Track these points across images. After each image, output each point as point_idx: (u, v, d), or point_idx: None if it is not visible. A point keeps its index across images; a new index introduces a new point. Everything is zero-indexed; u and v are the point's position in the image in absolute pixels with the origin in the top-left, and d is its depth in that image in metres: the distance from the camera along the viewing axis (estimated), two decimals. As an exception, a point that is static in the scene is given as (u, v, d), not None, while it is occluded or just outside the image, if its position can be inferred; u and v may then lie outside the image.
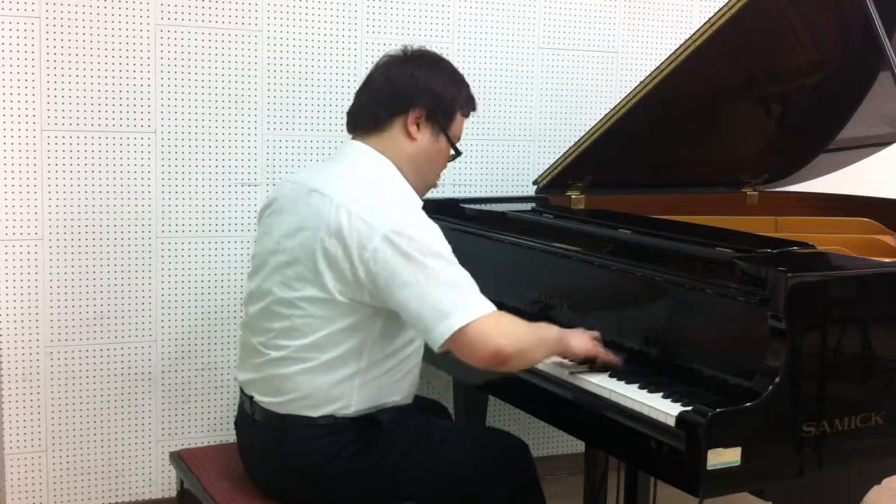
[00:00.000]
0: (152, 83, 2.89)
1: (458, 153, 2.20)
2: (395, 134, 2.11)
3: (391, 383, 2.10)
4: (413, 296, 1.93)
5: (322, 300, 2.00)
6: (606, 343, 2.18)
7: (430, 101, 2.12)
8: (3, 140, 2.76)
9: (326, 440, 2.05)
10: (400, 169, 2.11)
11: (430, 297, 1.92)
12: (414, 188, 2.13)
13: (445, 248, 1.99)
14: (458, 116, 2.19)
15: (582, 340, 2.11)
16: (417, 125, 2.11)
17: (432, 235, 1.98)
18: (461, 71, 2.22)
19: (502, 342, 1.93)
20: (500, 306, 2.55)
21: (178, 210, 2.95)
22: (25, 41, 2.75)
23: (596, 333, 2.16)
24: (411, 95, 2.11)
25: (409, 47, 2.18)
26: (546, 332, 2.09)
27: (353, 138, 2.17)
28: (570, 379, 2.08)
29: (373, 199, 2.01)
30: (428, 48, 2.23)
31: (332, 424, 2.05)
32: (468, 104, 2.21)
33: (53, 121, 2.80)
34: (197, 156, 2.96)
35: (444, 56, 2.22)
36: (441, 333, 1.92)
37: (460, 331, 1.91)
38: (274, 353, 2.07)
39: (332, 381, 2.03)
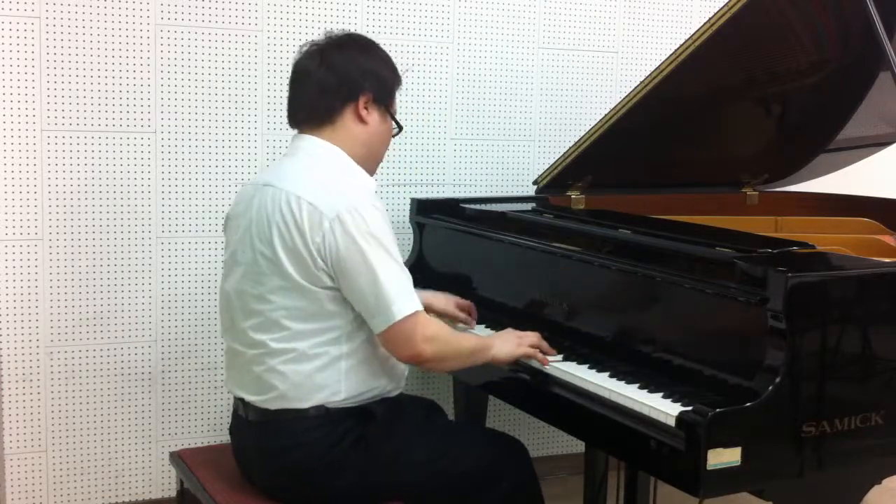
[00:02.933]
0: (152, 83, 2.89)
1: (400, 128, 2.26)
2: (346, 122, 2.14)
3: (378, 366, 2.12)
4: (361, 279, 2.00)
5: (287, 289, 2.03)
6: (606, 344, 2.19)
7: (375, 83, 2.16)
8: (3, 140, 2.76)
9: (320, 432, 2.06)
10: (354, 155, 2.15)
11: (377, 282, 1.99)
12: (368, 169, 2.18)
13: (391, 237, 2.05)
14: (395, 93, 2.24)
15: (507, 348, 2.16)
16: (367, 108, 2.15)
17: (380, 223, 2.03)
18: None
19: (423, 347, 2.03)
20: (501, 306, 2.57)
21: (178, 210, 2.95)
22: (25, 41, 2.75)
23: (532, 333, 2.20)
24: (358, 81, 2.14)
25: (332, 33, 2.20)
26: (467, 343, 2.16)
27: (300, 132, 2.18)
28: (571, 379, 2.08)
29: (323, 185, 2.06)
30: (353, 31, 2.26)
31: (325, 415, 2.06)
32: (398, 80, 2.25)
33: (53, 121, 2.80)
34: (197, 156, 2.96)
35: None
36: (384, 320, 2.00)
37: (398, 322, 2.00)
38: (253, 351, 2.09)
39: (316, 368, 2.05)
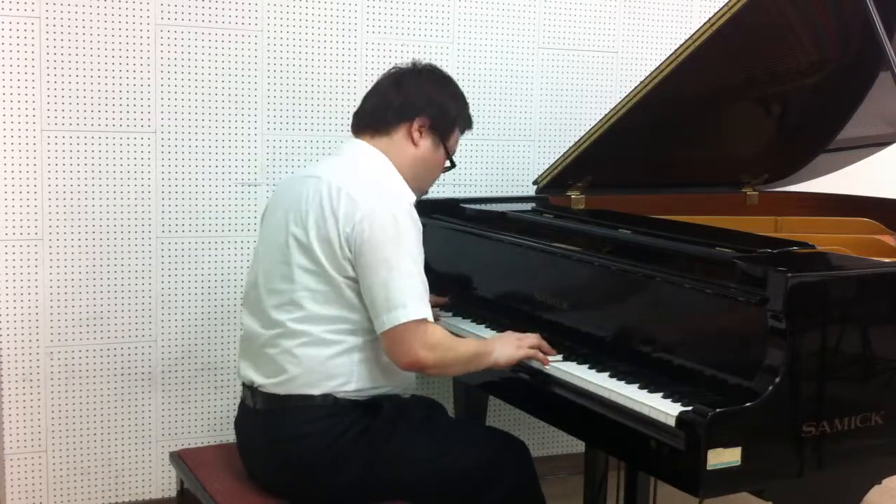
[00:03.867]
0: (152, 83, 2.89)
1: (452, 164, 2.35)
2: (398, 138, 2.24)
3: (390, 366, 2.14)
4: (377, 275, 2.04)
5: (313, 272, 2.09)
6: (606, 344, 2.19)
7: (435, 112, 2.25)
8: (3, 140, 2.76)
9: (326, 422, 2.08)
10: (399, 169, 2.22)
11: (391, 282, 2.03)
12: (411, 190, 2.23)
13: (418, 246, 2.11)
14: (457, 131, 2.34)
15: (508, 351, 2.17)
16: (420, 132, 2.24)
17: (411, 228, 2.10)
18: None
19: (424, 353, 2.05)
20: (501, 306, 2.57)
21: (178, 210, 2.95)
22: (25, 41, 2.75)
23: (532, 335, 2.21)
24: (419, 105, 2.24)
25: (418, 62, 2.33)
26: (468, 349, 2.18)
27: (355, 137, 2.27)
28: (571, 379, 2.08)
29: (365, 183, 2.13)
30: (436, 65, 2.37)
31: (332, 405, 2.09)
32: (466, 122, 2.37)
33: (53, 121, 2.80)
34: (197, 156, 2.96)
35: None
36: (388, 321, 2.04)
37: (400, 326, 2.03)
38: (271, 332, 2.14)
39: (330, 355, 2.09)
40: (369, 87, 2.34)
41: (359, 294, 2.09)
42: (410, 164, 2.24)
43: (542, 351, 2.19)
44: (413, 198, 2.21)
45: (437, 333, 2.09)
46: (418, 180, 2.27)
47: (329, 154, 2.40)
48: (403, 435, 2.13)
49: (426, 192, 2.38)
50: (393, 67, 2.33)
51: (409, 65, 2.32)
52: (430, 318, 2.07)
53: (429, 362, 2.06)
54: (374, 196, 2.09)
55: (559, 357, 2.18)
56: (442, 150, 2.29)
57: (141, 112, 2.88)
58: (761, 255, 2.00)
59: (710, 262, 2.05)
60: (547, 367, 2.15)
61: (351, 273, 2.07)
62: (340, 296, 2.09)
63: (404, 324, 2.02)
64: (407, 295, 2.03)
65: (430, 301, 2.48)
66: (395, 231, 2.05)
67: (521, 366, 2.21)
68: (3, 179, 2.77)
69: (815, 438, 1.84)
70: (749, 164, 3.11)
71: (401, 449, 2.12)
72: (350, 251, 2.06)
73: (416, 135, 2.24)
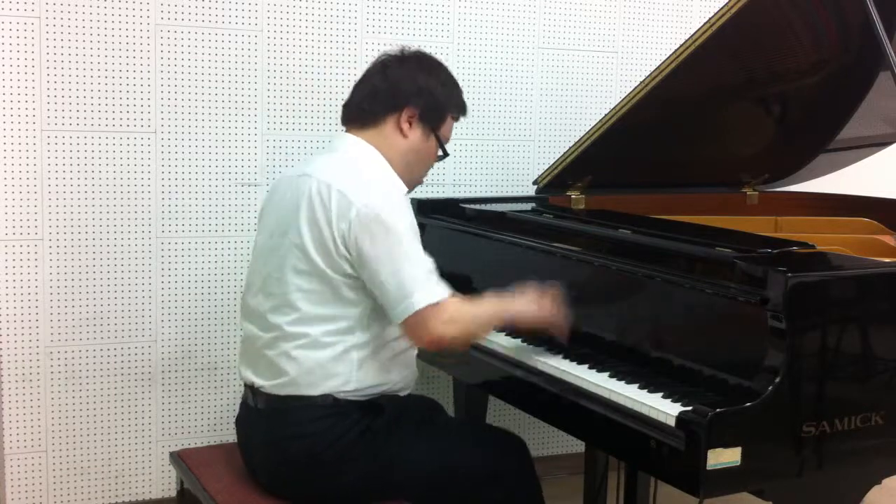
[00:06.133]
0: (152, 83, 2.89)
1: (445, 154, 2.29)
2: (387, 130, 2.19)
3: (390, 362, 2.14)
4: (383, 268, 2.02)
5: (308, 273, 2.07)
6: (606, 344, 2.18)
7: (424, 101, 2.20)
8: (3, 140, 2.76)
9: (327, 422, 2.07)
10: (390, 162, 2.19)
11: (400, 273, 2.02)
12: (403, 182, 2.21)
13: (415, 229, 2.08)
14: (449, 119, 2.27)
15: (532, 308, 2.14)
16: (410, 123, 2.19)
17: (407, 216, 2.07)
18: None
19: (442, 329, 2.03)
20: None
21: (178, 210, 2.95)
22: (25, 41, 2.75)
23: (550, 294, 2.17)
24: (407, 94, 2.18)
25: (406, 48, 2.26)
26: (487, 310, 2.15)
27: (346, 131, 2.25)
28: (571, 379, 2.08)
29: (356, 177, 2.10)
30: (425, 51, 2.30)
31: (332, 406, 2.08)
32: (459, 108, 2.30)
33: (53, 121, 2.80)
34: (197, 156, 2.96)
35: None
36: (403, 310, 2.02)
37: (417, 313, 2.01)
38: (269, 335, 2.13)
39: (328, 357, 2.08)
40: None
41: (357, 290, 2.07)
42: (401, 155, 2.19)
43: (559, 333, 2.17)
44: (404, 188, 2.19)
45: (452, 306, 2.06)
46: (411, 172, 2.24)
47: (321, 150, 2.37)
48: (403, 435, 2.13)
49: (421, 183, 2.34)
50: (382, 54, 2.27)
51: (397, 51, 2.25)
52: (444, 296, 2.04)
53: (450, 336, 2.05)
54: (365, 191, 2.05)
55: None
56: (433, 140, 2.24)
57: (141, 112, 2.88)
58: (761, 255, 2.00)
59: (710, 262, 2.05)
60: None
61: (349, 271, 2.06)
62: (337, 295, 2.07)
63: (420, 310, 2.01)
64: (417, 282, 2.02)
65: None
66: (391, 221, 2.03)
67: (520, 366, 2.20)
68: (3, 179, 2.77)
69: (815, 438, 1.84)
70: (749, 164, 3.11)
71: (401, 449, 2.11)
72: (347, 250, 2.04)
73: (405, 126, 2.18)
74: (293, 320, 2.09)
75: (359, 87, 2.25)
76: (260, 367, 2.15)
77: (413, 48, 2.28)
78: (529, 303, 2.16)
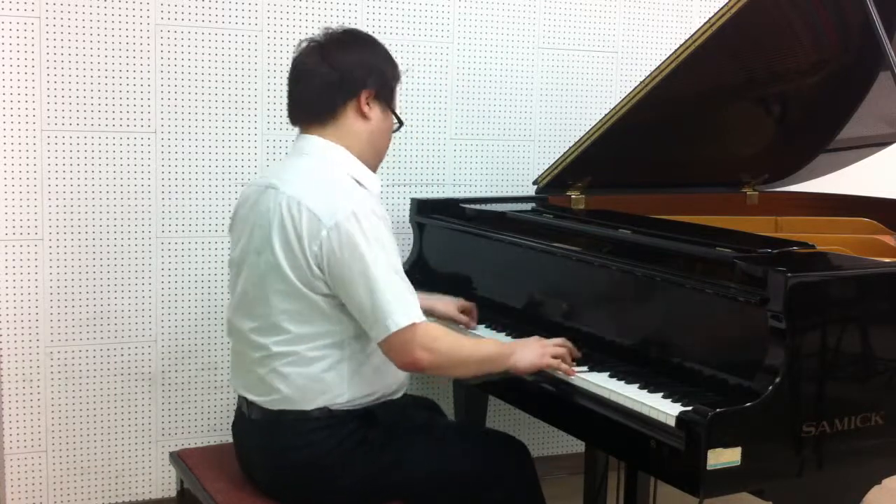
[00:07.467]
0: (152, 83, 2.89)
1: (401, 123, 2.24)
2: (349, 119, 2.13)
3: (381, 369, 2.11)
4: (358, 289, 1.98)
5: (287, 293, 2.03)
6: (606, 344, 2.18)
7: (377, 79, 2.14)
8: (3, 140, 2.76)
9: (323, 433, 2.06)
10: (358, 152, 2.14)
11: (375, 292, 1.97)
12: (372, 165, 2.17)
13: (391, 245, 2.03)
14: (396, 88, 2.23)
15: (529, 357, 2.11)
16: (369, 104, 2.14)
17: (380, 230, 2.01)
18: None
19: (420, 355, 1.99)
20: (500, 306, 2.57)
21: (178, 210, 2.95)
22: (25, 41, 2.75)
23: (558, 341, 2.14)
24: (360, 77, 2.12)
25: (330, 29, 2.19)
26: (482, 350, 2.13)
27: (303, 131, 2.18)
28: (571, 379, 2.08)
29: (324, 190, 2.04)
30: (351, 26, 2.25)
31: (328, 417, 2.06)
32: (399, 74, 2.24)
33: (53, 121, 2.80)
34: (197, 156, 2.96)
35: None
36: (384, 329, 1.98)
37: (395, 333, 1.97)
38: (257, 354, 2.09)
39: (318, 371, 2.05)
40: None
41: (338, 306, 2.03)
42: (367, 141, 2.14)
43: (568, 359, 2.12)
44: (378, 186, 2.14)
45: (434, 333, 2.02)
46: (378, 153, 2.19)
47: (286, 155, 2.29)
48: (402, 440, 2.11)
49: (383, 158, 2.24)
50: (305, 41, 2.17)
51: (324, 35, 2.16)
52: (420, 319, 2.00)
53: (425, 363, 2.01)
54: (335, 205, 1.99)
55: (585, 368, 2.10)
56: (390, 115, 2.19)
57: (141, 112, 2.88)
58: (761, 255, 2.00)
59: (710, 262, 2.05)
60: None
61: (325, 290, 2.01)
62: (319, 312, 2.03)
63: (396, 332, 1.97)
64: (392, 304, 1.97)
65: (458, 307, 2.45)
66: (363, 239, 1.97)
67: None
68: (3, 179, 2.77)
69: (815, 438, 1.84)
70: (749, 164, 3.11)
71: (400, 454, 2.10)
72: (321, 270, 1.99)
73: (365, 108, 2.12)
74: (280, 341, 2.05)
75: (301, 82, 2.16)
76: (251, 383, 2.13)
77: (337, 27, 2.20)
78: (527, 351, 2.11)
